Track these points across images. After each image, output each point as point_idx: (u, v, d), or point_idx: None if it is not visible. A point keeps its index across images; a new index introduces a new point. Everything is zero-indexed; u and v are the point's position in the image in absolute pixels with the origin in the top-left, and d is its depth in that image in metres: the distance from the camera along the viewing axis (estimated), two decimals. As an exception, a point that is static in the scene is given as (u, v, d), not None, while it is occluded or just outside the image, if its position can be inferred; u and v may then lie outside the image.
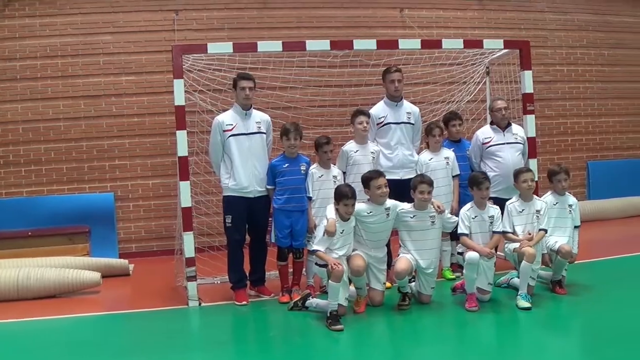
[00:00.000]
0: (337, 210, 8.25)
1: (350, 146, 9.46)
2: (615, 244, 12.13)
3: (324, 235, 8.13)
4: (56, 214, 12.46)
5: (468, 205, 8.73)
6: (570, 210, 9.07)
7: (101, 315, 9.02)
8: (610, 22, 16.35)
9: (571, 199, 9.17)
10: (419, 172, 9.31)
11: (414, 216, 8.47)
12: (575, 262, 9.10)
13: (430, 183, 8.44)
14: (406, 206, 8.52)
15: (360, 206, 8.36)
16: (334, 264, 7.79)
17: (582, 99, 15.99)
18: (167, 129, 12.04)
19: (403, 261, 8.35)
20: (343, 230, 8.20)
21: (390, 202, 8.46)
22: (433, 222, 8.51)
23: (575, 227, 9.12)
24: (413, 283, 8.66)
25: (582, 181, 15.87)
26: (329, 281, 7.86)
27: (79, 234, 11.94)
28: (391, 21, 14.36)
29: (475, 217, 8.61)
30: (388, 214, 8.43)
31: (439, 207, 8.53)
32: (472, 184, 8.74)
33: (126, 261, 11.40)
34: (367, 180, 8.41)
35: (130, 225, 13.09)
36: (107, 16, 13.09)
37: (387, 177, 8.71)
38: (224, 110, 9.58)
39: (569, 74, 15.87)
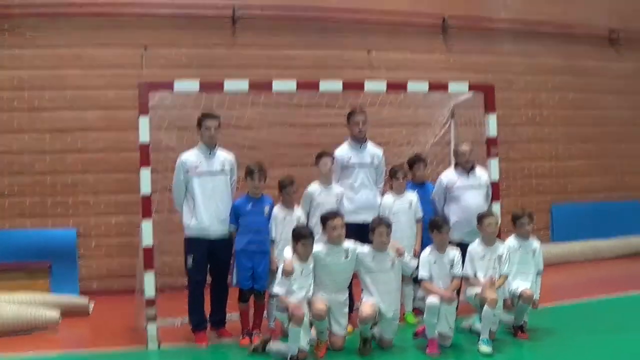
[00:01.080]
0: (295, 250, 8.26)
1: (314, 187, 9.46)
2: (578, 288, 12.19)
3: (282, 276, 8.12)
4: (17, 248, 12.22)
5: (428, 249, 8.78)
6: (533, 255, 9.14)
7: (59, 354, 8.86)
8: (576, 66, 16.51)
9: (534, 244, 9.25)
10: (381, 215, 9.33)
11: (373, 258, 8.49)
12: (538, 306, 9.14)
13: (388, 225, 8.50)
14: (365, 248, 8.55)
15: (318, 247, 8.42)
16: (294, 308, 7.77)
17: (546, 142, 16.10)
18: (133, 166, 11.73)
19: (368, 306, 8.35)
20: (302, 271, 8.23)
21: (349, 244, 8.51)
22: (393, 264, 8.53)
23: (538, 272, 9.17)
24: (375, 328, 8.62)
25: (546, 224, 15.90)
26: (290, 325, 7.85)
27: (40, 270, 11.71)
28: (359, 62, 14.40)
29: (436, 261, 8.66)
30: (347, 255, 8.46)
31: (398, 249, 8.56)
32: (432, 227, 8.79)
33: (86, 299, 11.24)
34: (324, 220, 8.48)
35: (92, 263, 12.86)
36: (76, 50, 13.00)
37: (349, 220, 8.83)
38: (190, 148, 9.55)
39: (534, 117, 15.99)
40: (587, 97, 16.58)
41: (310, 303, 8.27)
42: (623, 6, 16.98)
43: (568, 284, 12.65)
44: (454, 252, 8.77)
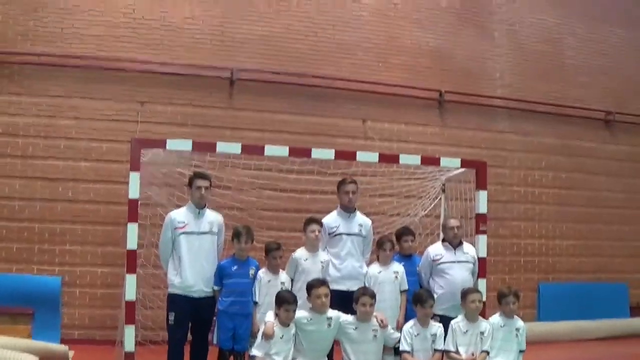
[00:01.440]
0: (277, 315, 8.25)
1: (301, 253, 9.41)
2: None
3: (262, 339, 8.07)
4: (1, 292, 12.15)
5: (411, 322, 8.79)
6: (517, 334, 9.10)
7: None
8: (571, 146, 16.69)
9: (519, 323, 9.21)
10: (366, 284, 9.34)
11: (356, 328, 8.51)
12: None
13: (372, 295, 8.52)
14: (349, 317, 8.55)
15: (301, 313, 8.39)
16: (271, 371, 7.75)
17: (537, 220, 16.17)
18: (121, 219, 11.69)
19: (348, 375, 8.32)
20: (283, 336, 8.19)
21: (332, 313, 8.49)
22: (375, 335, 8.53)
23: (520, 351, 9.13)
24: (354, 398, 8.56)
25: (532, 302, 15.85)
26: (266, 388, 7.82)
27: (23, 315, 11.75)
28: (353, 131, 14.55)
29: (418, 334, 8.68)
30: (330, 324, 8.43)
31: (382, 321, 8.55)
32: (416, 301, 8.81)
33: (66, 347, 11.19)
34: (309, 288, 8.46)
35: (75, 312, 12.76)
36: (73, 101, 13.08)
37: (334, 288, 8.79)
38: (178, 206, 9.62)
39: (525, 195, 16.10)
40: (580, 178, 16.71)
41: (289, 368, 8.23)
42: (619, 88, 17.28)
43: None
44: (436, 327, 8.79)
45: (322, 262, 9.42)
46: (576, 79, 16.90)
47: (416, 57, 15.47)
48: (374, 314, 8.59)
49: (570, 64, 16.92)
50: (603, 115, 17.09)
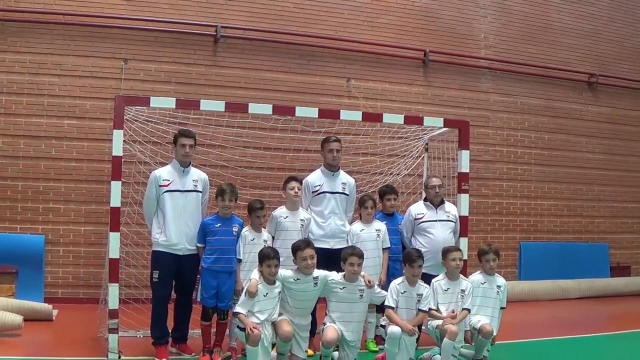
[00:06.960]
0: (261, 272, 8.23)
1: (281, 211, 9.45)
2: (540, 326, 12.20)
3: (245, 296, 8.10)
4: (-16, 251, 12.20)
5: (399, 280, 8.81)
6: (498, 291, 9.16)
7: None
8: (554, 107, 16.81)
9: (500, 280, 9.27)
10: (349, 242, 9.41)
11: (343, 288, 8.47)
12: (499, 342, 9.21)
13: (360, 255, 8.48)
14: (336, 277, 8.53)
15: (287, 272, 8.37)
16: (251, 328, 7.76)
17: (519, 180, 16.32)
18: (105, 177, 11.71)
19: (332, 331, 8.33)
20: (267, 294, 8.16)
21: (319, 272, 8.47)
22: (361, 295, 8.51)
23: (501, 308, 9.21)
24: (336, 352, 8.62)
25: (513, 261, 16.04)
26: (246, 345, 7.85)
27: (6, 274, 11.65)
28: (337, 90, 14.60)
29: (405, 292, 8.66)
30: (316, 284, 8.42)
31: (369, 281, 8.55)
32: (405, 260, 8.82)
33: (50, 306, 11.17)
34: (295, 250, 8.40)
35: (59, 270, 12.81)
36: (56, 58, 13.00)
37: (318, 246, 8.78)
38: (162, 163, 9.63)
39: (508, 155, 16.22)
40: (563, 139, 16.87)
41: (276, 324, 8.24)
42: (603, 51, 17.41)
43: (531, 322, 12.66)
44: (424, 288, 8.78)
45: (302, 220, 9.46)
46: (561, 41, 16.98)
47: (402, 16, 15.47)
48: (361, 273, 8.62)
49: (555, 26, 16.97)
50: (587, 77, 17.20)
